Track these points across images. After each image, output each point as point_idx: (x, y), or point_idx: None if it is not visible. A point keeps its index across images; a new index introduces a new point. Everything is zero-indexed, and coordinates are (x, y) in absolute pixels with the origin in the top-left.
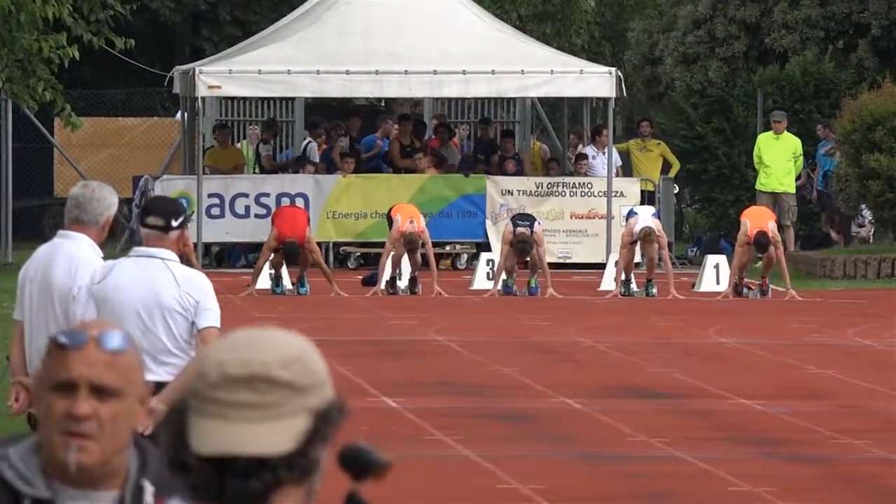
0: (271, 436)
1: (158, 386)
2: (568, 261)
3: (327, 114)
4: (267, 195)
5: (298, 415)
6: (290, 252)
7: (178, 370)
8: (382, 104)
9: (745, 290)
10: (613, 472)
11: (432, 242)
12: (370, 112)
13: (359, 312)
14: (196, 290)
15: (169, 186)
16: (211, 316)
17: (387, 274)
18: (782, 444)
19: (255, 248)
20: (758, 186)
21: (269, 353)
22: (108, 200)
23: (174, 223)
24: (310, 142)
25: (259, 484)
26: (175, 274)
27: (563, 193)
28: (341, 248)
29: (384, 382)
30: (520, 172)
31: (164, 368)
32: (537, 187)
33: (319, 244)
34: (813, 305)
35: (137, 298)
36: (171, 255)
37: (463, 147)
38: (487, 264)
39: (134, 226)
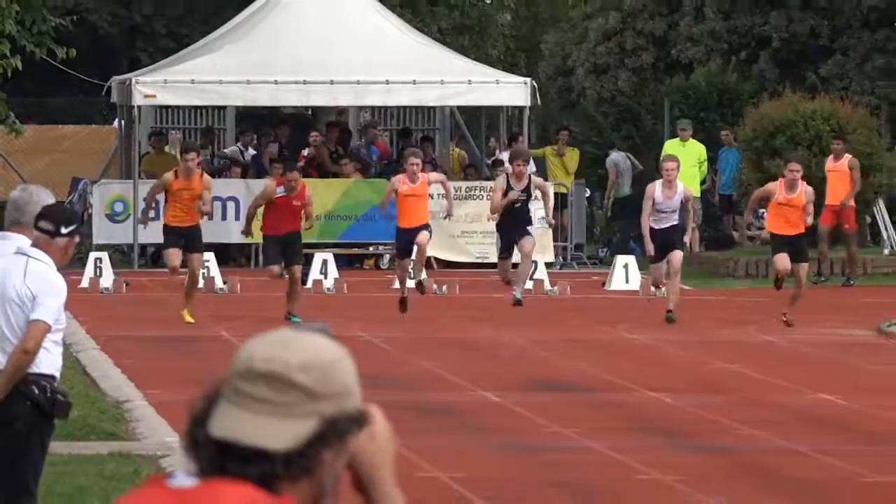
0: (275, 432)
1: None
2: (486, 261)
3: (257, 121)
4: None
5: (308, 418)
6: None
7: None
8: (310, 112)
9: (653, 289)
10: (529, 462)
11: (356, 244)
12: (298, 120)
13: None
14: (37, 285)
15: (106, 190)
16: (41, 310)
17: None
18: (689, 435)
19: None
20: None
21: (294, 355)
22: (45, 203)
23: (63, 230)
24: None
25: (255, 472)
26: (27, 269)
27: (481, 197)
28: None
29: None
30: (452, 176)
31: (2, 356)
32: (456, 191)
33: (249, 245)
34: (718, 304)
35: None
36: (42, 256)
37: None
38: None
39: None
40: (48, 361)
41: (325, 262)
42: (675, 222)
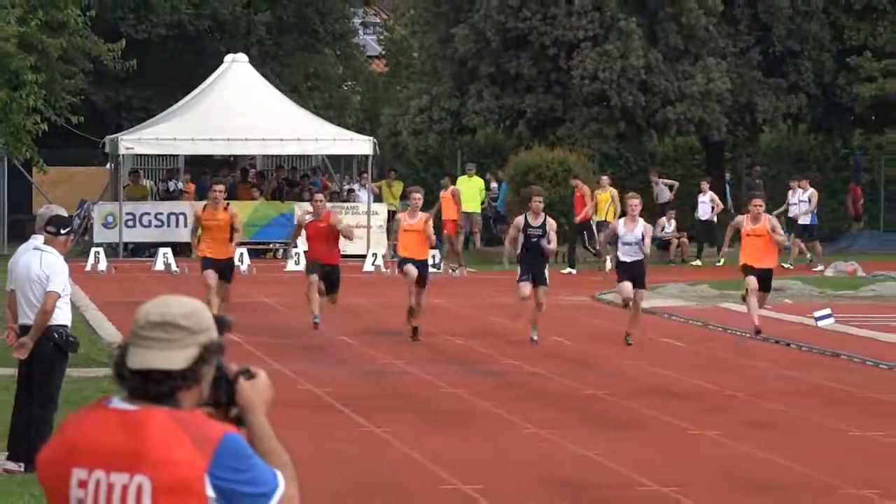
0: (173, 359)
1: (25, 328)
2: (343, 254)
3: (199, 165)
4: (161, 213)
5: (191, 347)
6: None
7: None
8: (232, 158)
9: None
10: (375, 382)
11: (261, 244)
12: (224, 163)
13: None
14: (49, 269)
15: (102, 208)
16: (53, 284)
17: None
18: (471, 363)
19: (155, 245)
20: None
21: (175, 308)
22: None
23: (62, 232)
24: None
25: (166, 387)
26: (42, 259)
27: (340, 211)
28: None
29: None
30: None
31: (32, 316)
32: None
33: (191, 244)
34: (492, 281)
35: (22, 272)
36: (50, 250)
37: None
38: (294, 255)
39: (76, 228)
40: (62, 316)
41: (241, 255)
42: (640, 256)
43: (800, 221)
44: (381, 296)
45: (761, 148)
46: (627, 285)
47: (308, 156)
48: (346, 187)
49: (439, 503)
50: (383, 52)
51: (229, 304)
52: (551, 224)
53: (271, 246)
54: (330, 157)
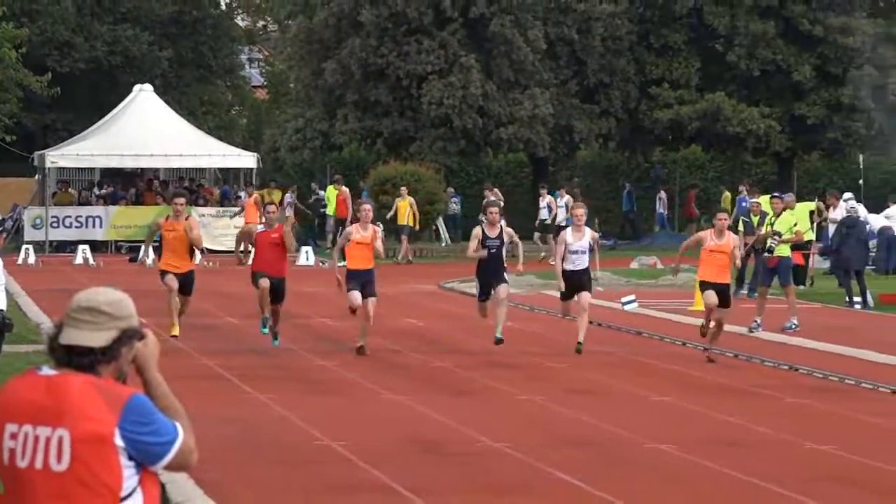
0: (96, 337)
1: None
2: (224, 250)
3: (111, 176)
4: (81, 216)
5: (112, 329)
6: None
7: None
8: (139, 170)
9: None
10: (257, 357)
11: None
12: (132, 174)
13: (124, 276)
14: None
15: (31, 212)
16: None
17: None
18: (339, 341)
19: (75, 243)
20: (329, 212)
21: (101, 297)
22: None
23: None
24: (105, 190)
25: (88, 360)
26: None
27: (226, 216)
28: (119, 244)
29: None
30: (206, 204)
31: None
32: (217, 213)
33: (105, 242)
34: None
35: None
36: None
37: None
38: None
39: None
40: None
41: (147, 250)
42: (584, 266)
43: (556, 222)
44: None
45: (578, 162)
46: (569, 304)
47: (202, 168)
48: (235, 194)
49: (312, 457)
50: (265, 83)
51: (186, 314)
52: (509, 232)
53: None
54: (221, 169)
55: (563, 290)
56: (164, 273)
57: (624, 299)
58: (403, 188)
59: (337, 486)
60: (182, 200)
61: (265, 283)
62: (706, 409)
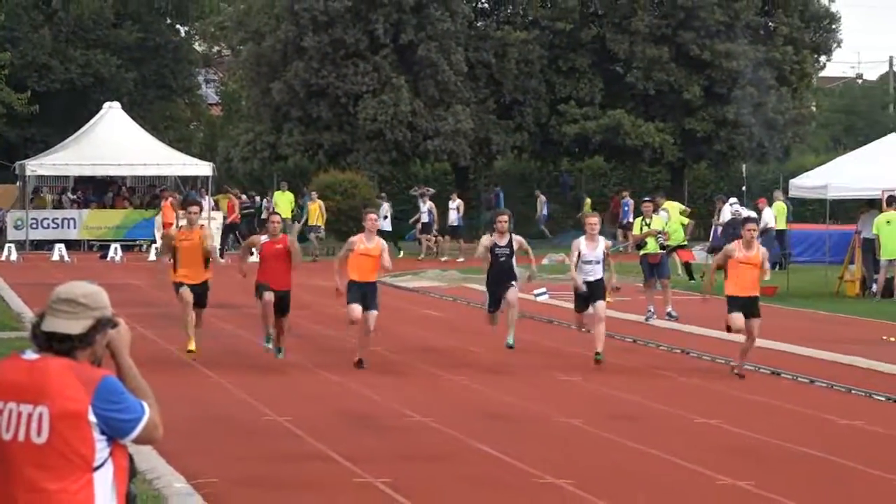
0: (73, 325)
1: None
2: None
3: (84, 183)
4: (57, 218)
5: (88, 318)
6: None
7: None
8: (109, 178)
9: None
10: (214, 343)
11: (130, 241)
12: (103, 181)
13: (96, 271)
14: None
15: (14, 215)
16: None
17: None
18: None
19: (52, 242)
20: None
21: (78, 290)
22: None
23: None
24: (78, 195)
25: (66, 346)
26: None
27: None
28: (91, 243)
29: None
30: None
31: None
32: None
33: (79, 241)
34: (310, 270)
35: None
36: None
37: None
38: (156, 250)
39: None
40: None
41: (116, 248)
42: (600, 275)
43: (449, 224)
44: (220, 275)
45: (496, 171)
46: (582, 315)
47: (164, 176)
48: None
49: (260, 430)
50: (220, 101)
51: (202, 327)
52: (519, 240)
53: (138, 242)
54: (181, 177)
55: (582, 290)
56: (178, 285)
57: (536, 291)
58: (314, 192)
59: (284, 455)
60: (196, 209)
61: (269, 296)
62: (609, 389)
